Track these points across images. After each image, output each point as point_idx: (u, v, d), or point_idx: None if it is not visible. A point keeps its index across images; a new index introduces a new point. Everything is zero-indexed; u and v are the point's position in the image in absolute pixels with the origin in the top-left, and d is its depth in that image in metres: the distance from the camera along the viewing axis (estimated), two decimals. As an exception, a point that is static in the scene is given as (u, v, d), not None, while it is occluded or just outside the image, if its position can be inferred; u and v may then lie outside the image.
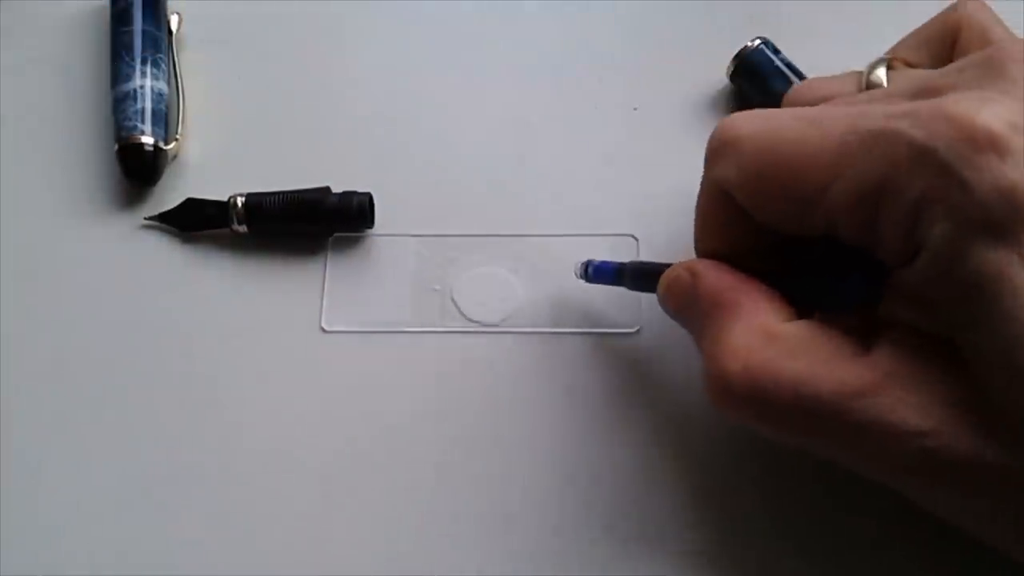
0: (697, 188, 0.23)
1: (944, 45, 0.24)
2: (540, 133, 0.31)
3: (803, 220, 0.20)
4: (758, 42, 0.30)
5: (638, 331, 0.27)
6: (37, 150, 0.31)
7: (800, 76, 0.29)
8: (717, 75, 0.31)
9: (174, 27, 0.32)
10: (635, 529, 0.25)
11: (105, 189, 0.30)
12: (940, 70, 0.20)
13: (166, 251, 0.29)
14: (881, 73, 0.23)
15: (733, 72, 0.30)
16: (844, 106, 0.20)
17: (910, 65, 0.24)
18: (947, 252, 0.17)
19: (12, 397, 0.27)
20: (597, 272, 0.27)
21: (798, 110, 0.20)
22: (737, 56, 0.30)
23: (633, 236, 0.29)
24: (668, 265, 0.24)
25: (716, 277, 0.22)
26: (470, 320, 0.28)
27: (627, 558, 0.24)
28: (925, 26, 0.25)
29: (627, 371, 0.27)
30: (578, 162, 0.30)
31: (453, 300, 0.28)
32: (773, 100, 0.27)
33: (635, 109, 0.31)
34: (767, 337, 0.20)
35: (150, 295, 0.29)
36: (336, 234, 0.29)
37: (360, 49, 0.33)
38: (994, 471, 0.17)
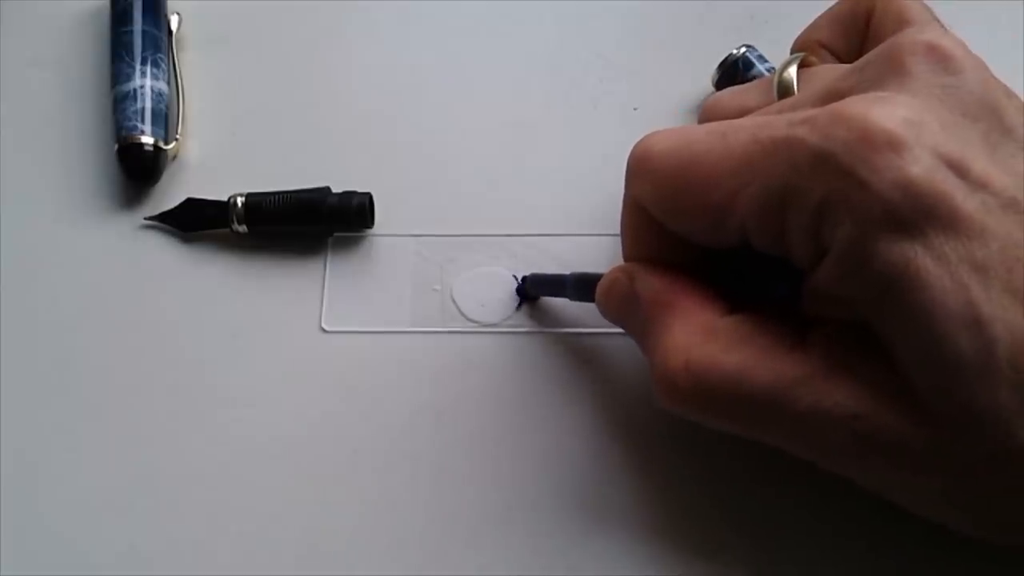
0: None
1: (857, 24, 0.24)
2: (540, 133, 0.31)
3: (717, 232, 0.20)
4: (743, 50, 0.30)
5: (638, 331, 0.27)
6: (37, 150, 0.31)
7: None
8: (717, 75, 0.31)
9: (174, 27, 0.32)
10: (637, 528, 0.25)
11: (105, 189, 0.30)
12: (845, 70, 0.20)
13: (166, 251, 0.29)
14: (792, 72, 0.23)
15: (718, 80, 0.30)
16: (751, 117, 0.21)
17: (824, 46, 0.24)
18: (852, 251, 0.17)
19: (12, 397, 0.27)
20: (536, 284, 0.27)
21: (709, 125, 0.20)
22: (721, 64, 0.30)
23: (633, 236, 0.29)
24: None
25: (653, 278, 0.22)
26: (470, 320, 0.28)
27: (629, 557, 0.24)
28: (838, 5, 0.25)
29: (627, 371, 0.27)
30: (578, 162, 0.30)
31: (453, 300, 0.28)
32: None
33: (635, 109, 0.31)
34: (706, 332, 0.20)
35: (150, 295, 0.29)
36: (336, 234, 0.29)
37: (360, 49, 0.33)
38: (917, 451, 0.18)
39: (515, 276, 0.28)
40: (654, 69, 0.31)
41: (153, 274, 0.29)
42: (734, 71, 0.29)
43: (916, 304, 0.17)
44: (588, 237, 0.29)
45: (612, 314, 0.24)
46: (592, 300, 0.24)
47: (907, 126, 0.17)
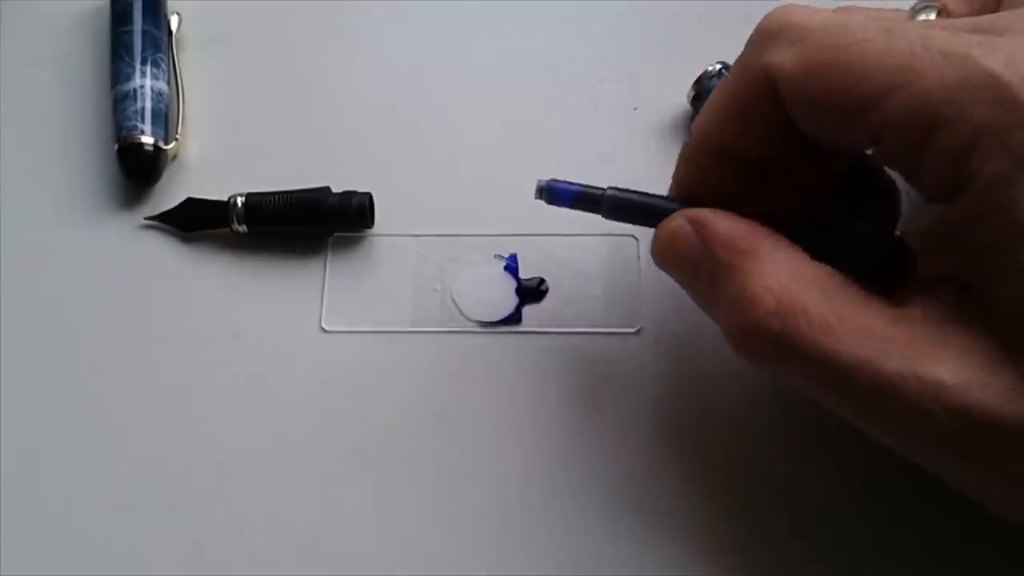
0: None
1: None
2: (540, 133, 0.31)
3: (848, 128, 0.19)
4: (718, 67, 0.29)
5: (638, 331, 0.27)
6: (37, 150, 0.31)
7: None
8: (717, 75, 0.31)
9: (174, 27, 0.32)
10: (635, 529, 0.25)
11: (105, 189, 0.30)
12: (990, 16, 0.19)
13: (166, 251, 0.29)
14: (929, 18, 0.21)
15: (694, 98, 0.30)
16: (914, 25, 0.19)
17: (948, 12, 0.23)
18: (997, 191, 0.16)
19: (12, 397, 0.27)
20: (560, 194, 0.24)
21: (868, 16, 0.19)
22: (697, 81, 0.29)
23: (634, 236, 0.29)
24: (657, 197, 0.23)
25: (727, 224, 0.21)
26: (470, 320, 0.28)
27: (628, 558, 0.24)
28: None
29: (627, 371, 0.27)
30: (578, 162, 0.30)
31: (453, 300, 0.28)
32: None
33: (635, 109, 0.31)
34: (796, 276, 0.19)
35: (150, 295, 0.29)
36: (336, 234, 0.29)
37: (360, 49, 0.33)
38: (1013, 431, 0.16)
39: (537, 185, 0.24)
40: (654, 69, 0.31)
41: (153, 274, 0.29)
42: (711, 88, 0.29)
43: None
44: (588, 237, 0.29)
45: (671, 263, 0.22)
46: (630, 221, 0.23)
47: None
